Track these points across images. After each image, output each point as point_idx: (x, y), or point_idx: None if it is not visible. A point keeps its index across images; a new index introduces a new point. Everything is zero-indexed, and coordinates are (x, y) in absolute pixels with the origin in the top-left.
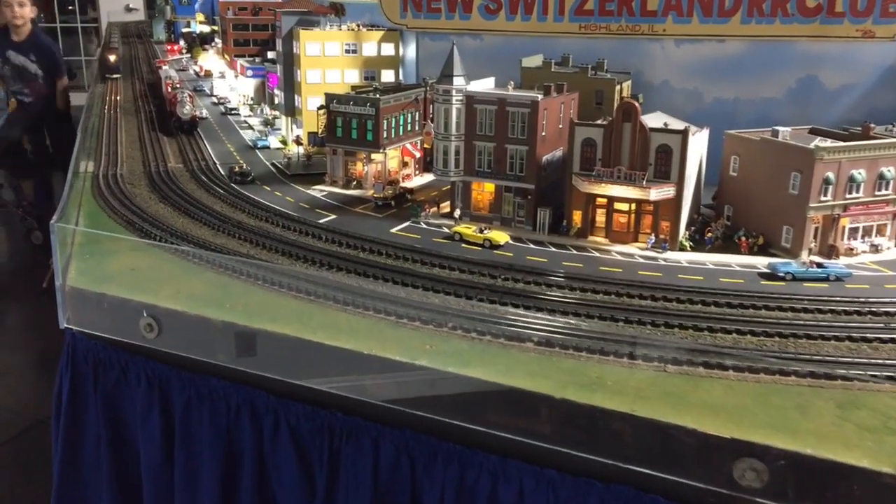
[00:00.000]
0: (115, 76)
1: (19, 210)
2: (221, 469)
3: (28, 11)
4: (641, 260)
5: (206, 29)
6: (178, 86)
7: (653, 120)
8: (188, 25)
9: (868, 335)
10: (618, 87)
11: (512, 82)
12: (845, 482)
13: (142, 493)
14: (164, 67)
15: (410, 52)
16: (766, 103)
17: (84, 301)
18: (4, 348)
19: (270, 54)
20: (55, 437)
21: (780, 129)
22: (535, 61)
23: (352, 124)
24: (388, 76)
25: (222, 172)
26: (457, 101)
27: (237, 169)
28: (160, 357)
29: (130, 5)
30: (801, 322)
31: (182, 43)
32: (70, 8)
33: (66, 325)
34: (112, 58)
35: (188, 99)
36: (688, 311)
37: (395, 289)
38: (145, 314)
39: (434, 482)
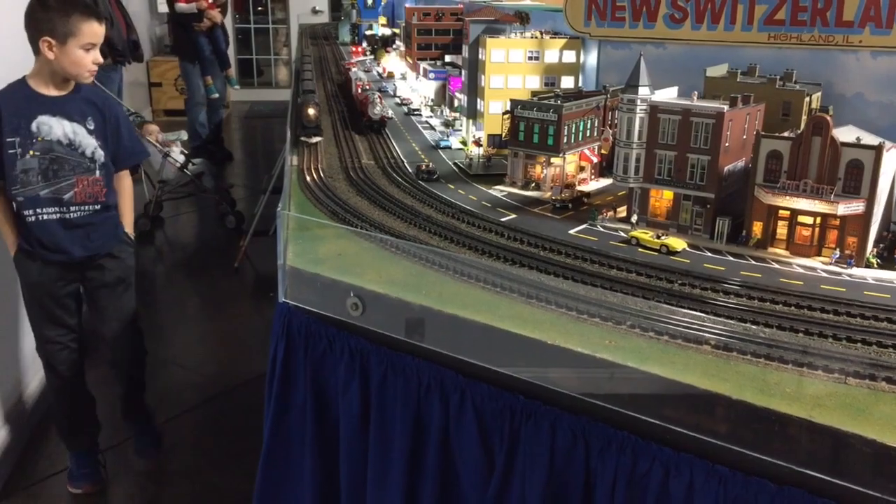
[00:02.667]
0: (313, 140)
1: (217, 196)
2: (410, 439)
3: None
4: (824, 274)
5: (388, 32)
6: (367, 87)
7: (844, 134)
8: (370, 28)
9: None
10: (807, 99)
11: (696, 92)
12: None
13: (338, 456)
14: (354, 69)
15: (591, 59)
16: None
17: (300, 280)
18: (203, 319)
19: (448, 58)
20: (268, 394)
21: None
22: (719, 71)
23: (534, 129)
24: (567, 82)
25: (409, 170)
26: (641, 110)
27: (423, 167)
28: (362, 333)
29: (316, 7)
30: None
31: (365, 45)
32: (260, 9)
33: (283, 300)
34: (311, 112)
35: (378, 100)
36: (872, 327)
37: (574, 286)
38: (352, 294)
39: (607, 468)
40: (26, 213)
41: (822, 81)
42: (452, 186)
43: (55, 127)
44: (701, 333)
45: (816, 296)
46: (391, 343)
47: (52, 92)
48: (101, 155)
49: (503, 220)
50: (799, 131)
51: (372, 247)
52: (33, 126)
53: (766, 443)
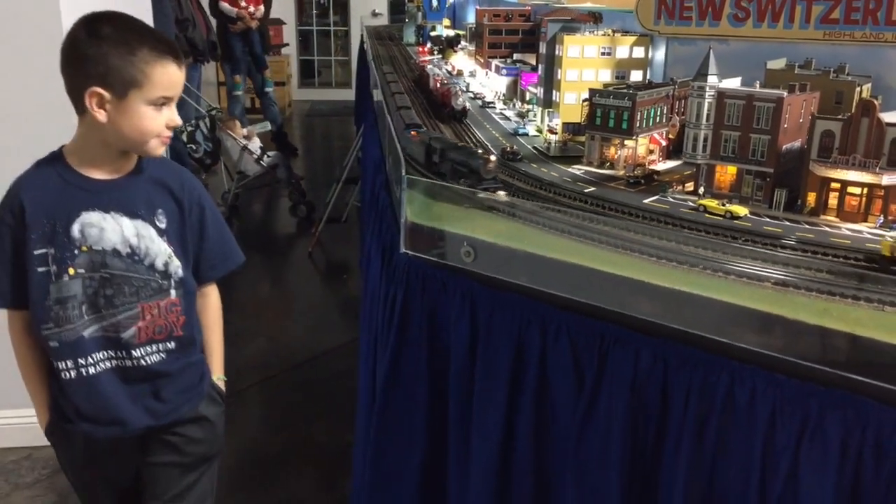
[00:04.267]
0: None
1: (289, 186)
2: (511, 364)
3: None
4: (869, 235)
5: (451, 33)
6: (446, 81)
7: (890, 116)
8: (434, 29)
9: None
10: (857, 89)
11: (758, 82)
12: None
13: (448, 384)
14: (429, 66)
15: (659, 55)
16: None
17: (417, 232)
18: (285, 298)
19: (517, 56)
20: (386, 333)
21: None
22: (779, 64)
23: (610, 115)
24: (636, 76)
25: (495, 152)
26: (709, 96)
27: (508, 149)
28: (473, 277)
29: (376, 10)
30: None
31: (430, 45)
32: (316, 12)
33: (403, 250)
34: (491, 165)
35: (459, 91)
36: None
37: (651, 240)
38: (465, 244)
39: (682, 382)
40: (62, 365)
41: (872, 74)
42: (535, 166)
43: (109, 229)
44: (763, 273)
45: (861, 250)
46: (498, 285)
47: (102, 174)
48: (177, 267)
49: (586, 191)
50: (850, 113)
51: (478, 208)
52: (75, 229)
53: (816, 354)
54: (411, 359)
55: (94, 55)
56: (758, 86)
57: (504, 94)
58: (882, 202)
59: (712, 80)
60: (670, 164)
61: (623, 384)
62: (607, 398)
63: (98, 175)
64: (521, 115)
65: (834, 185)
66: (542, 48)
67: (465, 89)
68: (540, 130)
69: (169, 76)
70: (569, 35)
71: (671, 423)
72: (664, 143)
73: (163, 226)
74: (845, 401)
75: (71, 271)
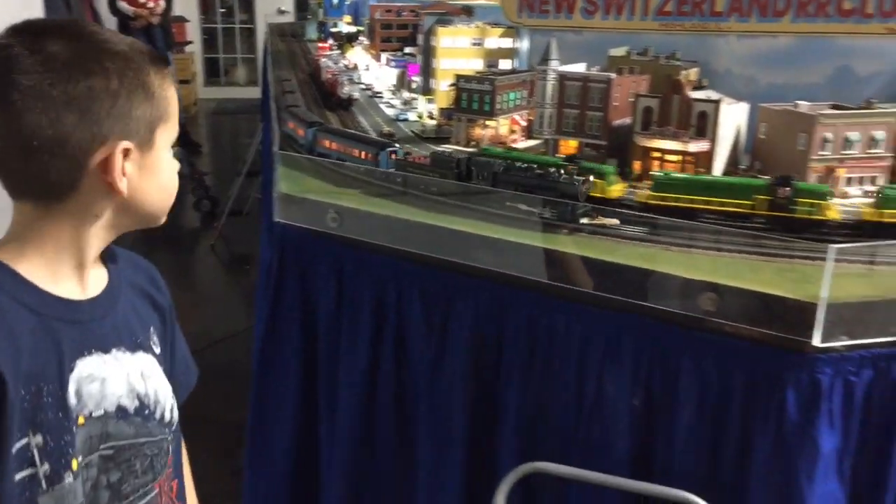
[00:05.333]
0: None
1: (192, 182)
2: (373, 319)
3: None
4: None
5: (353, 29)
6: (335, 73)
7: (700, 94)
8: (335, 26)
9: None
10: (684, 73)
11: (597, 67)
12: (762, 302)
13: (318, 342)
14: (323, 60)
15: (525, 45)
16: (809, 87)
17: (290, 203)
18: (188, 290)
19: (408, 49)
20: (263, 297)
21: (801, 102)
22: (620, 51)
23: (473, 98)
24: (505, 64)
25: (374, 135)
26: (552, 79)
27: (384, 132)
28: (339, 240)
29: (282, 8)
30: None
31: (331, 41)
32: (223, 11)
33: (276, 220)
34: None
35: (346, 81)
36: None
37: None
38: (332, 211)
39: (513, 320)
40: None
41: (700, 60)
42: (409, 146)
43: (111, 378)
44: (575, 226)
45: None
46: (362, 246)
47: (79, 287)
48: (175, 407)
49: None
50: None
51: (346, 179)
52: (70, 392)
53: (614, 286)
54: (286, 318)
55: (103, 89)
56: (596, 69)
57: (394, 85)
58: (693, 168)
59: (554, 64)
60: (531, 142)
61: (466, 325)
62: (453, 339)
63: (75, 291)
64: (406, 103)
65: (654, 153)
66: (420, 39)
67: (354, 80)
68: (420, 116)
69: (176, 100)
70: (442, 27)
71: (506, 355)
72: (524, 123)
73: (158, 351)
74: (636, 323)
75: (74, 466)
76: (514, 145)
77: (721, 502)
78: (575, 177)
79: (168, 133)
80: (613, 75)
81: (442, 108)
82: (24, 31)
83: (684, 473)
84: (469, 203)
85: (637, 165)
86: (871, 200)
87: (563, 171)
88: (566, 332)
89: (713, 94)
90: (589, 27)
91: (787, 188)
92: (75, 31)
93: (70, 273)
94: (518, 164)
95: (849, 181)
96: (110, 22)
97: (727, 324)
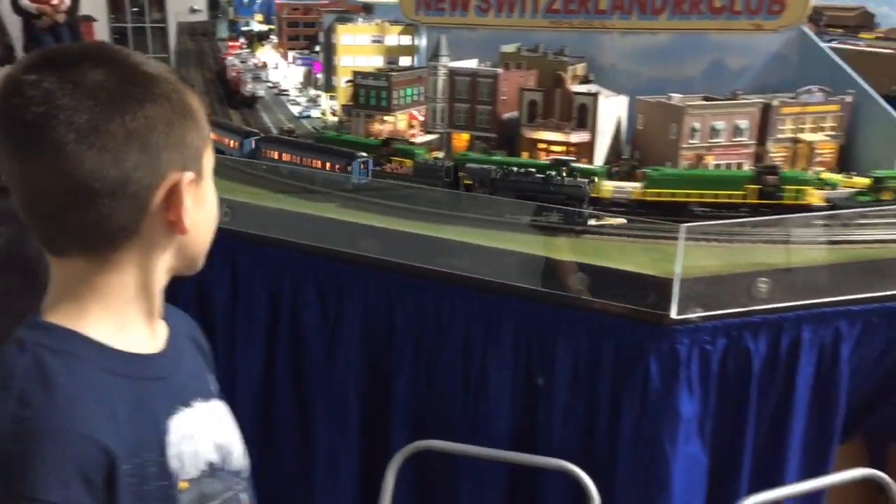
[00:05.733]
0: None
1: None
2: (268, 311)
3: None
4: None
5: (265, 28)
6: (240, 71)
7: (580, 88)
8: (247, 24)
9: None
10: (571, 68)
11: (489, 62)
12: (621, 281)
13: (215, 335)
14: (229, 58)
15: (424, 42)
16: (687, 81)
17: None
18: None
19: (317, 47)
20: None
21: (674, 95)
22: (511, 48)
23: (371, 94)
24: (405, 61)
25: (275, 132)
26: (442, 75)
27: (285, 130)
28: (232, 234)
29: (195, 7)
30: None
31: (242, 40)
32: (134, 10)
33: None
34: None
35: (249, 79)
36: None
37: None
38: (224, 205)
39: (402, 306)
40: None
41: (588, 56)
42: (310, 142)
43: (199, 433)
44: (461, 215)
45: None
46: (254, 239)
47: (149, 340)
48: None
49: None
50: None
51: (242, 175)
52: (171, 457)
53: (494, 270)
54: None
55: (158, 118)
56: (488, 65)
57: (301, 83)
58: (576, 156)
59: (444, 61)
60: (430, 136)
61: (358, 314)
62: (347, 326)
63: (149, 344)
64: (312, 101)
65: (541, 144)
66: (321, 37)
67: (262, 78)
68: (324, 113)
69: None
70: (342, 25)
71: (397, 340)
72: (422, 118)
73: (222, 395)
74: (518, 307)
75: None
76: (413, 140)
77: (596, 469)
78: (578, 179)
79: (211, 158)
80: (500, 70)
81: (344, 105)
82: (52, 62)
83: (563, 444)
84: (362, 196)
85: (525, 156)
86: None
87: (562, 175)
88: (451, 317)
89: (593, 88)
90: (482, 25)
91: (775, 176)
92: (106, 56)
93: (141, 326)
94: (514, 169)
95: (717, 167)
96: (13, 22)
97: (596, 301)
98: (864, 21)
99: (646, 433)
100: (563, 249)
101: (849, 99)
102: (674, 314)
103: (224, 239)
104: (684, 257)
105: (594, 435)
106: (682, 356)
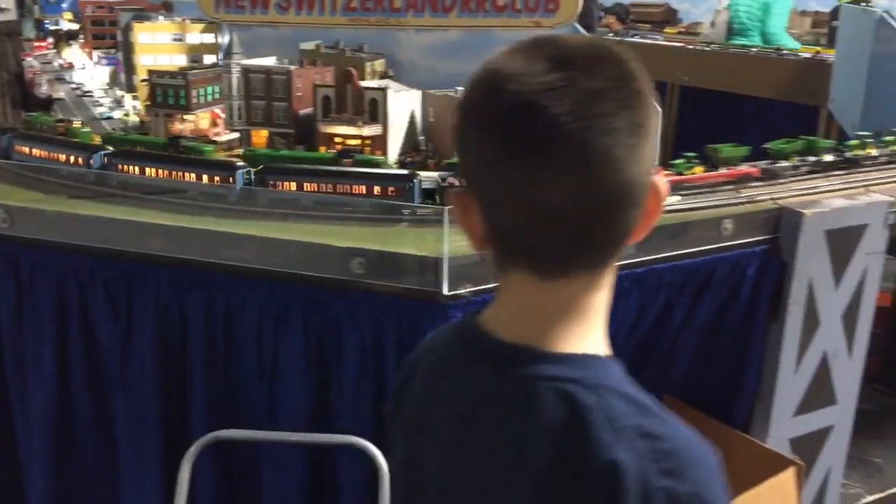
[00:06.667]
0: None
1: None
2: (57, 315)
3: None
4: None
5: (75, 27)
6: (37, 72)
7: (371, 83)
8: (56, 23)
9: None
10: (369, 65)
11: (286, 59)
12: (398, 263)
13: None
14: (29, 59)
15: (227, 39)
16: None
17: None
18: None
19: None
20: None
21: (460, 88)
22: (310, 45)
23: (168, 93)
24: (210, 59)
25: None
26: (236, 72)
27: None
28: (11, 240)
29: (2, 5)
30: None
31: (50, 39)
32: None
33: None
34: None
35: (44, 81)
36: None
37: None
38: (1, 210)
39: (193, 301)
40: None
41: (387, 52)
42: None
43: None
44: (240, 209)
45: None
46: (34, 244)
47: None
48: None
49: None
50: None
51: (23, 180)
52: None
53: (280, 261)
54: None
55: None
56: (286, 62)
57: (107, 83)
58: (370, 151)
59: (237, 58)
60: (235, 135)
61: (149, 311)
62: (139, 325)
63: None
64: (117, 102)
65: (337, 139)
66: (119, 36)
67: (66, 79)
68: (128, 114)
69: None
70: (139, 23)
71: (190, 335)
72: (224, 116)
73: None
74: (304, 294)
75: None
76: (217, 138)
77: (387, 443)
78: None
79: None
80: (294, 67)
81: (146, 105)
82: (569, 59)
83: (356, 423)
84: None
85: (323, 150)
86: None
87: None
88: (242, 307)
89: (384, 83)
90: (283, 22)
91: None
92: (596, 48)
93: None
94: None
95: None
96: None
97: (376, 283)
98: (669, 17)
99: None
100: (346, 236)
101: None
102: (445, 290)
103: (4, 246)
104: (450, 238)
105: (383, 410)
106: None
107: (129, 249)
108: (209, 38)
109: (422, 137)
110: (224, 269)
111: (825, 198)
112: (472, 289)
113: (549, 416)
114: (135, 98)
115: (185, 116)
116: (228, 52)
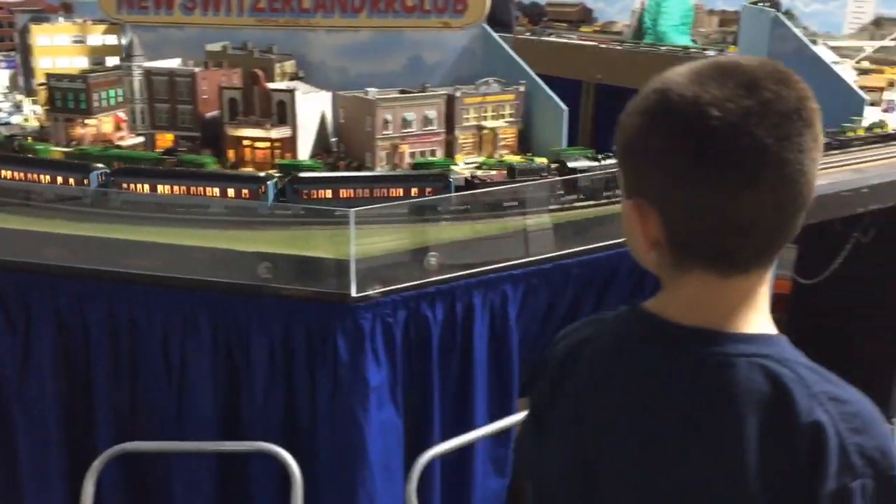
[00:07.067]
0: None
1: None
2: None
3: None
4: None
5: None
6: None
7: (279, 85)
8: None
9: None
10: (278, 66)
11: (192, 61)
12: (306, 266)
13: None
14: None
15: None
16: (391, 75)
17: None
18: None
19: None
20: None
21: (369, 90)
22: (217, 47)
23: (68, 96)
24: (113, 61)
25: None
26: (138, 75)
27: None
28: None
29: None
30: None
31: None
32: None
33: None
34: None
35: None
36: None
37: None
38: None
39: (94, 312)
40: None
41: (297, 53)
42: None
43: None
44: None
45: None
46: None
47: None
48: None
49: None
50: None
51: None
52: None
53: (187, 268)
54: None
55: None
56: (191, 64)
57: (7, 87)
58: (281, 152)
59: (138, 60)
60: (139, 139)
61: (49, 323)
62: (38, 338)
63: None
64: (17, 106)
65: (245, 141)
66: (16, 38)
67: None
68: (27, 119)
69: None
70: (36, 25)
71: (92, 344)
72: (128, 119)
73: None
74: (211, 300)
75: None
76: (120, 142)
77: (299, 447)
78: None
79: None
80: (198, 69)
81: (46, 109)
82: (758, 84)
83: (267, 428)
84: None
85: (231, 154)
86: None
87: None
88: (147, 317)
89: (293, 85)
90: (188, 23)
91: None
92: (777, 73)
93: None
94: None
95: (412, 155)
96: None
97: (284, 287)
98: (584, 16)
99: (340, 405)
100: (249, 240)
101: (522, 88)
102: (354, 292)
103: None
104: (358, 239)
105: (295, 415)
106: (365, 330)
107: (25, 260)
108: (112, 40)
109: (334, 139)
110: (125, 278)
111: None
112: (381, 289)
113: (751, 387)
114: (34, 102)
115: (87, 121)
116: (129, 54)
